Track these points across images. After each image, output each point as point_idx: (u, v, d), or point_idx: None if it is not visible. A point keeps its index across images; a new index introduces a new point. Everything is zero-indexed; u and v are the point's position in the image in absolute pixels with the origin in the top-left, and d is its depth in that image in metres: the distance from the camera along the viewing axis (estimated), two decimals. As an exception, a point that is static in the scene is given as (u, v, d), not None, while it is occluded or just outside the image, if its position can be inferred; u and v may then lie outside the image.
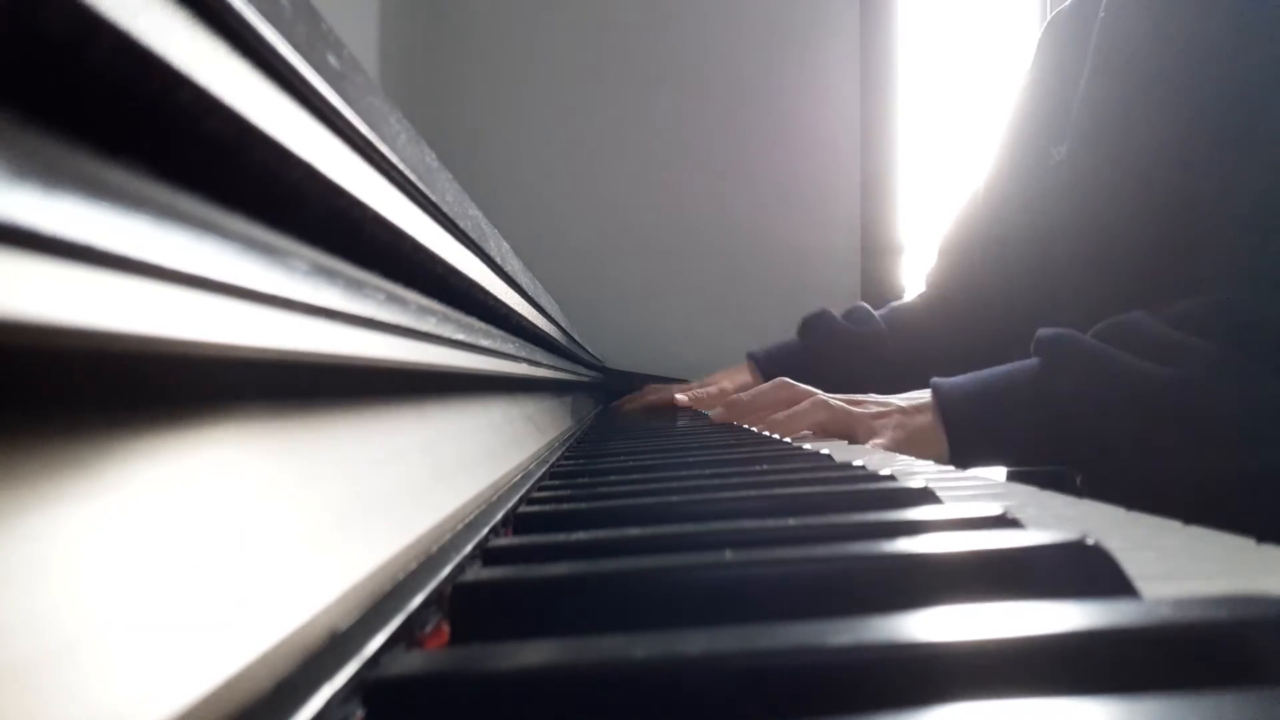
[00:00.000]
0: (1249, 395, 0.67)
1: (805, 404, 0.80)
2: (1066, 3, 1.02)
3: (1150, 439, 0.70)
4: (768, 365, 1.21)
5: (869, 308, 1.24)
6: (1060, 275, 0.89)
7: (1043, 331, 0.75)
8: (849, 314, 1.24)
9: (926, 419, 0.77)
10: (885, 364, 1.15)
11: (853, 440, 0.78)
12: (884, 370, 1.11)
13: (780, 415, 0.80)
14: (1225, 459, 0.69)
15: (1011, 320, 0.85)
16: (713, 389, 1.21)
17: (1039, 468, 0.81)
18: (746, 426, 0.84)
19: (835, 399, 0.81)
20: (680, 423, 1.03)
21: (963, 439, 0.75)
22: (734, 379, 1.23)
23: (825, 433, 0.80)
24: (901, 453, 0.75)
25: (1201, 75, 0.77)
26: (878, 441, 0.75)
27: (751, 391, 0.91)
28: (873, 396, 0.82)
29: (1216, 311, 0.70)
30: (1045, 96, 0.98)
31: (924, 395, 0.79)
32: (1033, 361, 0.76)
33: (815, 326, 1.23)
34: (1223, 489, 0.66)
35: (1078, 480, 0.79)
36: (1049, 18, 1.06)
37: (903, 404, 0.79)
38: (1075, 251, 0.87)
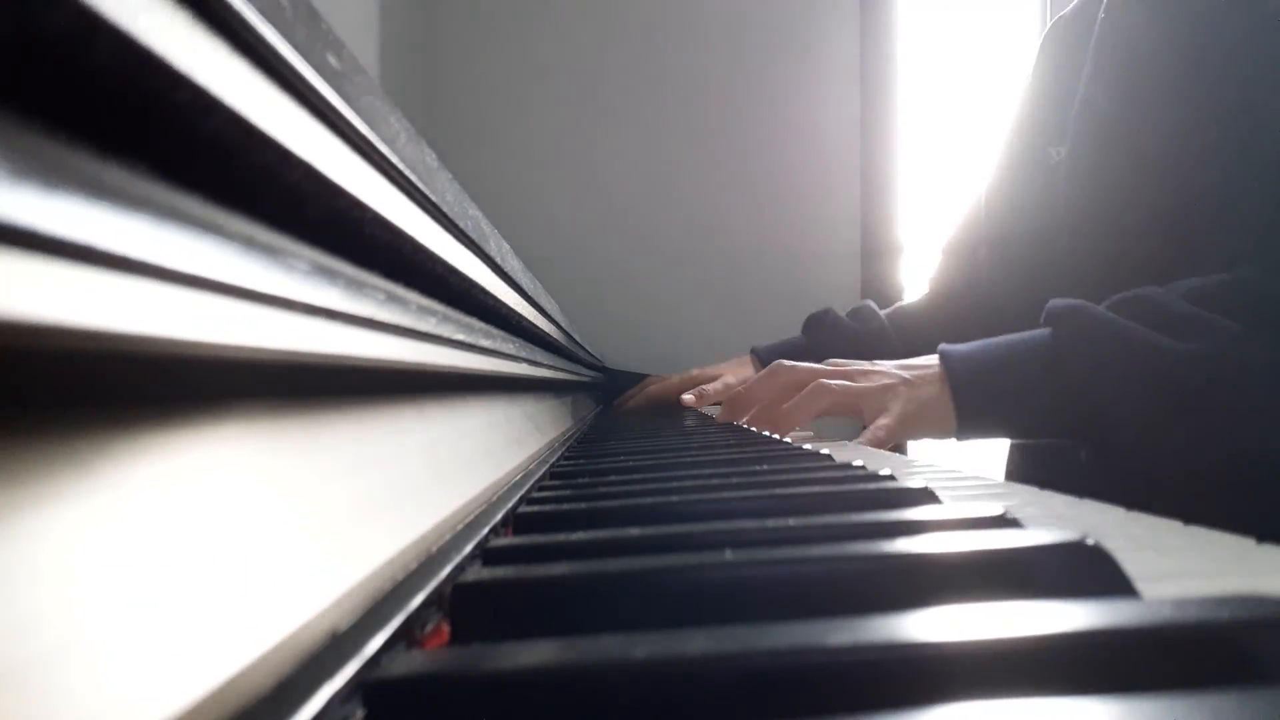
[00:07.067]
0: (1273, 373, 0.66)
1: (807, 391, 0.79)
2: (1068, 8, 1.03)
3: (1166, 415, 0.68)
4: (771, 360, 1.18)
5: (874, 306, 1.24)
6: (1062, 273, 0.89)
7: (1054, 302, 0.74)
8: (854, 313, 1.24)
9: (933, 390, 0.76)
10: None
11: (860, 416, 0.77)
12: None
13: (785, 406, 0.79)
14: (1247, 438, 0.68)
15: (1013, 318, 0.84)
16: (717, 384, 1.19)
17: (1044, 439, 0.80)
18: (746, 426, 0.84)
19: (836, 379, 0.80)
20: (680, 422, 1.02)
21: (970, 410, 0.75)
22: (736, 373, 1.22)
23: (831, 413, 0.80)
24: (909, 428, 0.75)
25: (1207, 65, 0.76)
26: (883, 421, 0.75)
27: (749, 382, 0.90)
28: (879, 365, 0.81)
29: (1235, 289, 0.69)
30: (1045, 98, 0.99)
31: (930, 362, 0.79)
32: (1043, 332, 0.75)
33: (820, 324, 1.23)
34: (1240, 470, 0.65)
35: (1082, 455, 0.78)
36: (1050, 23, 1.07)
37: (909, 376, 0.78)
38: (1076, 248, 0.87)
